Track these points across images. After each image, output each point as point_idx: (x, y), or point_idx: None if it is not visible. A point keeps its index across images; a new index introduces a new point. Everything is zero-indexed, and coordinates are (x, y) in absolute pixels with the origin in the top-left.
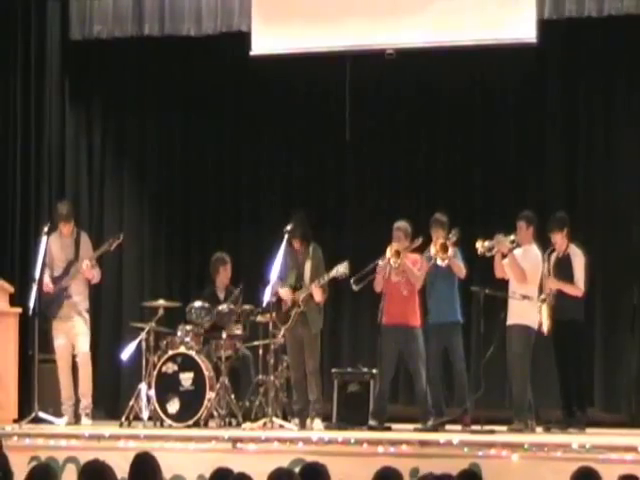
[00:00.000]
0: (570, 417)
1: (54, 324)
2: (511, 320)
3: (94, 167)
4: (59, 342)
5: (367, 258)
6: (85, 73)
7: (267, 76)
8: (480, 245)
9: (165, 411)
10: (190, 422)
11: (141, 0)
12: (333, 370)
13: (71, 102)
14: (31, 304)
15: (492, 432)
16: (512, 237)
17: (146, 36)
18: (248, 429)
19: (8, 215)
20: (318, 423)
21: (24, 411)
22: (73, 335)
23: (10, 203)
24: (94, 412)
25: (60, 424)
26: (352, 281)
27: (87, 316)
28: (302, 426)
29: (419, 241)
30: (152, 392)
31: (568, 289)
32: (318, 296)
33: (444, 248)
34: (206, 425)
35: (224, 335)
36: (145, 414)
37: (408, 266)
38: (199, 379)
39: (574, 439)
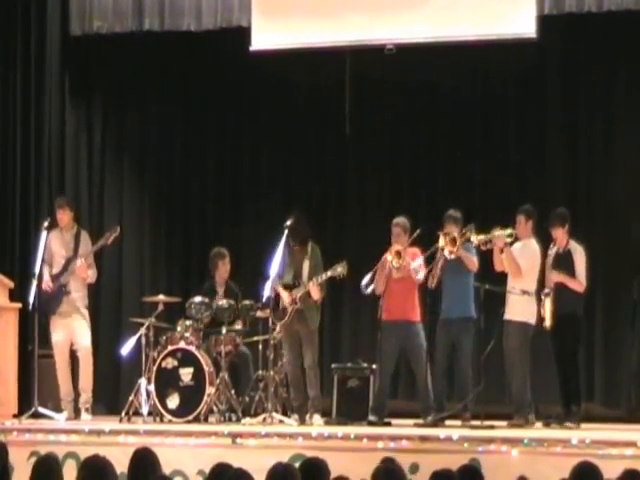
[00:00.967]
0: (567, 411)
1: (52, 320)
2: (508, 315)
3: (94, 163)
4: (57, 338)
5: (367, 254)
6: (85, 69)
7: (267, 71)
8: (475, 238)
9: (165, 406)
10: (190, 417)
11: None
12: (333, 365)
13: (71, 98)
14: (31, 299)
15: (492, 427)
16: (510, 231)
17: (146, 31)
18: (248, 424)
19: (8, 211)
20: (317, 419)
21: (24, 406)
22: (72, 331)
23: (10, 199)
24: (94, 407)
25: (60, 419)
26: (362, 286)
27: (86, 312)
28: (302, 421)
29: (417, 232)
30: (152, 387)
31: (571, 283)
32: (316, 294)
33: (453, 241)
34: (206, 420)
35: (224, 330)
36: (145, 409)
37: (410, 265)
38: (199, 374)
39: (574, 434)
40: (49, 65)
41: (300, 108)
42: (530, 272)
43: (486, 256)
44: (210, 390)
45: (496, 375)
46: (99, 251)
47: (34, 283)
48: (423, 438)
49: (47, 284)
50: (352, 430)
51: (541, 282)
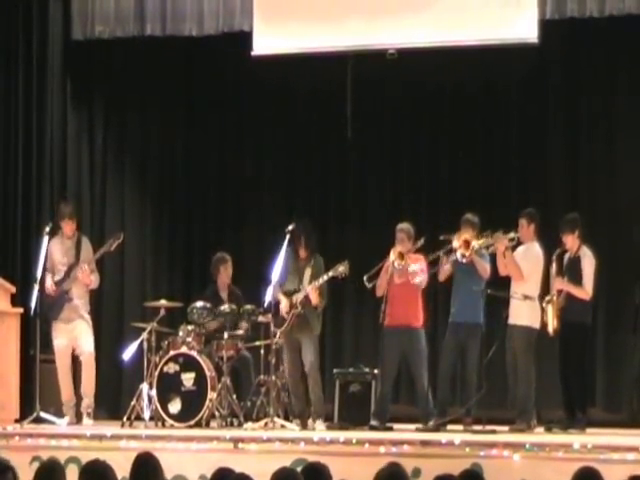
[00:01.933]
0: (571, 418)
1: (54, 325)
2: (512, 320)
3: (96, 167)
4: (59, 343)
5: (369, 257)
6: (87, 73)
7: (269, 76)
8: (475, 243)
9: (167, 411)
10: (192, 422)
11: (143, 0)
12: (335, 370)
13: (73, 102)
14: (32, 304)
15: (494, 432)
16: (512, 234)
17: (148, 36)
18: (250, 429)
19: (10, 214)
20: (320, 424)
21: (26, 411)
22: (75, 336)
23: (12, 202)
24: (95, 412)
25: (61, 424)
26: (365, 279)
27: (89, 317)
28: (303, 426)
29: (421, 242)
30: (154, 392)
31: (575, 291)
32: (315, 298)
33: (467, 244)
34: (208, 425)
35: (226, 335)
36: (147, 414)
37: (412, 269)
38: (201, 379)
39: (576, 439)
40: (51, 69)
41: (302, 112)
42: (532, 276)
43: (490, 260)
44: (212, 395)
45: (498, 380)
46: (101, 256)
47: (36, 288)
48: (425, 443)
49: (50, 289)
50: (354, 435)
51: (544, 287)
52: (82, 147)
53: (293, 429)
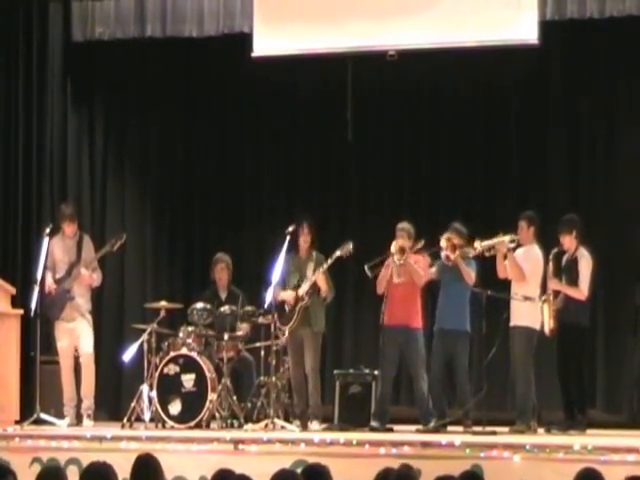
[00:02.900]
0: (571, 419)
1: (57, 326)
2: (514, 321)
3: (96, 168)
4: (62, 344)
5: (369, 258)
6: (87, 75)
7: (269, 77)
8: (478, 245)
9: (167, 412)
10: (192, 423)
11: (143, 2)
12: (335, 371)
13: (73, 103)
14: (33, 305)
15: (494, 433)
16: (512, 237)
17: (148, 38)
18: (250, 430)
19: (10, 216)
20: (316, 425)
21: (26, 412)
22: (76, 336)
23: (12, 204)
24: (96, 413)
25: (62, 425)
26: (366, 268)
27: (90, 317)
28: (304, 427)
29: (421, 243)
30: (154, 393)
31: (570, 292)
32: (323, 285)
33: (453, 247)
34: (208, 426)
35: (226, 336)
36: (147, 415)
37: (412, 265)
38: (201, 380)
39: (576, 440)
40: (51, 70)
41: (302, 114)
42: (533, 278)
43: (487, 262)
44: (212, 396)
45: (498, 381)
46: (101, 258)
47: (36, 289)
48: (425, 444)
49: (50, 286)
50: (354, 436)
51: (544, 288)
52: (82, 148)
53: (293, 430)
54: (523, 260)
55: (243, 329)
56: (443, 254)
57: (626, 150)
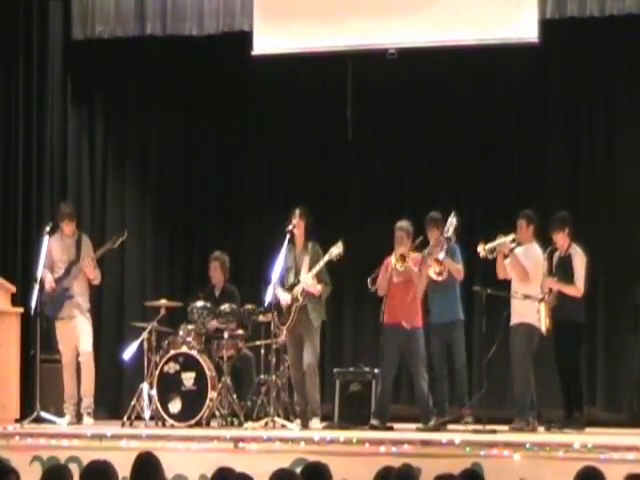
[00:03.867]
0: (570, 417)
1: (57, 325)
2: (514, 320)
3: (96, 167)
4: (63, 342)
5: (369, 258)
6: (87, 73)
7: (269, 76)
8: (482, 249)
9: (167, 411)
10: (192, 422)
11: (143, 0)
12: (335, 370)
13: (73, 102)
14: (33, 304)
15: (494, 432)
16: (512, 236)
17: (148, 36)
18: (250, 429)
19: (10, 214)
20: (316, 423)
21: (26, 411)
22: (76, 335)
23: (12, 202)
24: (96, 412)
25: (62, 424)
26: (369, 282)
27: (89, 316)
28: (304, 426)
29: (419, 240)
30: (154, 392)
31: (566, 289)
32: (313, 287)
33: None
34: (208, 425)
35: (226, 335)
36: (147, 414)
37: (413, 270)
38: (201, 379)
39: (576, 439)
40: (51, 69)
41: (302, 112)
42: (534, 276)
43: (487, 260)
44: (212, 394)
45: (498, 379)
46: (102, 256)
47: (36, 288)
48: (425, 442)
49: (50, 284)
50: (354, 434)
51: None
52: (82, 147)
53: (293, 429)
54: (523, 259)
55: (243, 327)
56: (433, 275)
57: (626, 149)
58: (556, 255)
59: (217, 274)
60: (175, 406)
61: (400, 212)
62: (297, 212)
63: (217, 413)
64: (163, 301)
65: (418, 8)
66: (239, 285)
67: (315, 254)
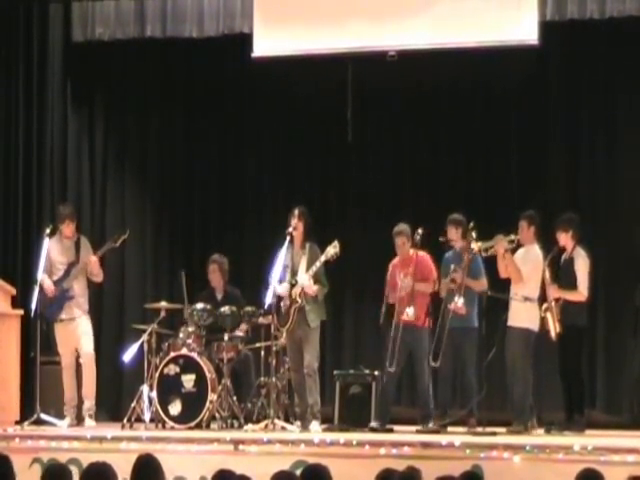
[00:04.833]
0: (570, 419)
1: (57, 327)
2: (511, 321)
3: (96, 168)
4: (63, 344)
5: (369, 259)
6: (87, 75)
7: (269, 78)
8: (476, 245)
9: (167, 413)
10: (192, 424)
11: (143, 2)
12: (335, 372)
13: (73, 104)
14: (33, 306)
15: (494, 434)
16: (512, 237)
17: (148, 38)
18: (250, 431)
19: (10, 216)
20: (316, 426)
21: (26, 413)
22: (76, 337)
23: (12, 204)
24: (96, 414)
25: (62, 426)
26: (381, 323)
27: (88, 316)
28: (304, 428)
29: (419, 232)
30: (154, 394)
31: (570, 296)
32: (309, 288)
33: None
34: (208, 427)
35: (226, 337)
36: (147, 416)
37: (419, 285)
38: (201, 381)
39: (576, 441)
40: (51, 70)
41: (302, 114)
42: (532, 278)
43: (488, 263)
44: (212, 397)
45: (498, 382)
46: (103, 255)
47: (36, 290)
48: (425, 444)
49: (49, 288)
50: (354, 436)
51: (544, 289)
52: (82, 148)
53: (293, 431)
54: (523, 260)
55: (243, 329)
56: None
57: (626, 150)
58: (562, 258)
59: (216, 277)
60: (175, 408)
61: (400, 212)
62: (296, 212)
63: (217, 415)
64: (163, 303)
65: (418, 10)
66: (239, 287)
67: (313, 255)
